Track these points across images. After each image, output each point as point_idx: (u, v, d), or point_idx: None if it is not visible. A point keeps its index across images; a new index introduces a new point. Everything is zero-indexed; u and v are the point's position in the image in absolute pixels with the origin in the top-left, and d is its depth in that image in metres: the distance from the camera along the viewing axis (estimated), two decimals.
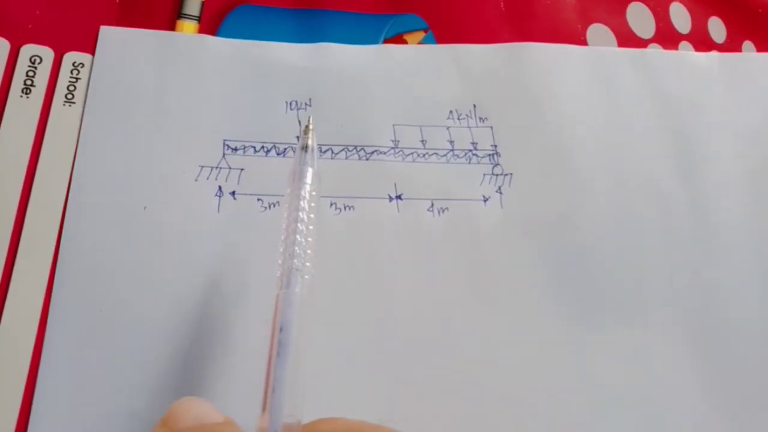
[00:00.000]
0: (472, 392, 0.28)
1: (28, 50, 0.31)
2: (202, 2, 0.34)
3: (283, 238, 0.24)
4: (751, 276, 0.31)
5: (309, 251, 0.24)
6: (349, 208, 0.30)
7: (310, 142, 0.26)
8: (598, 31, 0.36)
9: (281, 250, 0.24)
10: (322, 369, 0.27)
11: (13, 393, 0.26)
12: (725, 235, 0.32)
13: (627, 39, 0.36)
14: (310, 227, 0.24)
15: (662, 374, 0.29)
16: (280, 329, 0.22)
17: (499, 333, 0.29)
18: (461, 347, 0.28)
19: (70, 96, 0.31)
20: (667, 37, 0.36)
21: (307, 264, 0.24)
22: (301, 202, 0.25)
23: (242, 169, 0.31)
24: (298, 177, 0.25)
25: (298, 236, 0.24)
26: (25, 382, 0.26)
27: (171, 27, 0.33)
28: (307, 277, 0.23)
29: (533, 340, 0.29)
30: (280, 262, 0.24)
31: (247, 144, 0.31)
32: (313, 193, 0.25)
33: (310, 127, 0.27)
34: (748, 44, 0.37)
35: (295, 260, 0.23)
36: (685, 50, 0.36)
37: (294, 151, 0.31)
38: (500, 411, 0.28)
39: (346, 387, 0.27)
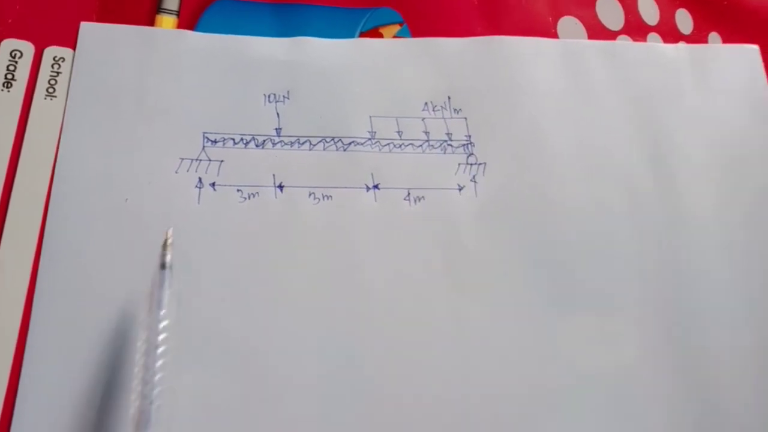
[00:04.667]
0: (448, 376, 0.29)
1: (8, 44, 0.32)
2: None
3: (135, 371, 0.23)
4: (719, 263, 0.32)
5: (158, 389, 0.23)
6: (328, 198, 0.31)
7: (168, 259, 0.25)
8: (568, 23, 0.37)
9: (133, 385, 0.23)
10: (300, 353, 0.28)
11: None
12: (694, 222, 0.33)
13: (597, 31, 0.37)
14: (161, 362, 0.23)
15: (631, 358, 0.30)
16: None
17: (474, 318, 0.30)
18: (437, 332, 0.29)
19: (51, 90, 0.31)
20: (636, 29, 0.37)
21: (156, 404, 0.23)
22: (154, 333, 0.24)
23: (222, 161, 0.31)
24: (156, 303, 0.24)
25: (148, 374, 0.23)
26: (9, 373, 0.27)
27: (151, 21, 0.34)
28: (156, 419, 0.22)
29: (507, 325, 0.30)
30: (132, 398, 0.23)
31: (226, 136, 0.32)
32: (165, 322, 0.24)
33: (170, 240, 0.25)
34: (714, 35, 0.38)
35: (145, 402, 0.23)
36: (654, 41, 0.37)
37: (273, 144, 0.32)
38: (476, 394, 0.29)
39: (324, 371, 0.28)
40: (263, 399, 0.27)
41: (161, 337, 0.23)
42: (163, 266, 0.25)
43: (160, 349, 0.23)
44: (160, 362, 0.23)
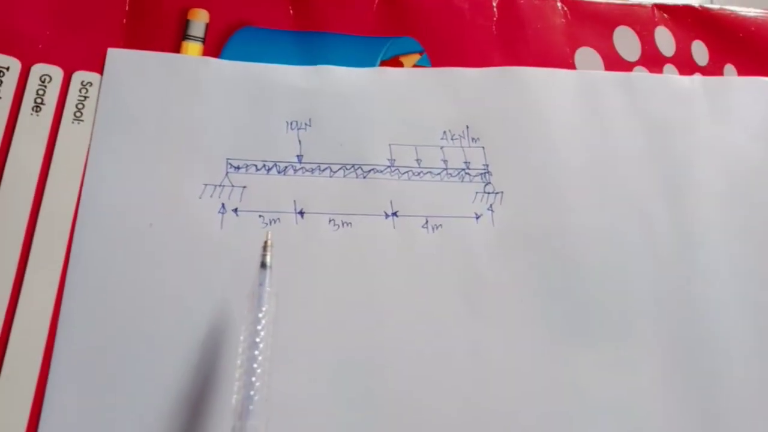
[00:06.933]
0: (463, 404, 0.29)
1: (38, 69, 0.33)
2: (207, 24, 0.35)
3: (238, 363, 0.25)
4: (732, 291, 0.33)
5: (261, 382, 0.24)
6: (347, 225, 0.32)
7: (269, 260, 0.27)
8: (585, 54, 0.37)
9: (236, 376, 0.25)
10: (317, 377, 0.29)
11: (22, 406, 0.27)
12: (707, 252, 0.33)
13: (613, 62, 0.37)
14: (261, 357, 0.25)
15: (646, 387, 0.30)
16: None
17: (491, 345, 0.30)
18: (454, 358, 0.30)
19: (78, 114, 0.32)
20: (652, 60, 0.38)
21: (257, 397, 0.24)
22: (257, 328, 0.25)
23: (245, 187, 0.32)
24: (257, 300, 0.26)
25: (251, 366, 0.25)
26: (34, 395, 0.27)
27: (177, 47, 0.34)
28: (251, 408, 0.24)
29: (523, 352, 0.30)
30: (235, 389, 0.24)
31: (249, 162, 0.32)
32: (266, 319, 0.25)
33: (270, 242, 0.27)
34: (729, 67, 0.38)
35: (247, 391, 0.24)
36: (670, 72, 0.38)
37: (294, 170, 0.32)
38: (490, 422, 0.29)
39: (340, 396, 0.28)
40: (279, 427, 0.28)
41: (262, 332, 0.25)
42: (263, 266, 0.26)
43: (261, 344, 0.25)
44: (260, 357, 0.25)
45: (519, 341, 0.30)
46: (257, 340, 0.25)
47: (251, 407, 0.24)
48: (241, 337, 0.25)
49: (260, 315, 0.25)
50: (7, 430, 0.26)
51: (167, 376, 0.28)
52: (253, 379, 0.24)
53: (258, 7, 0.36)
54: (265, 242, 0.27)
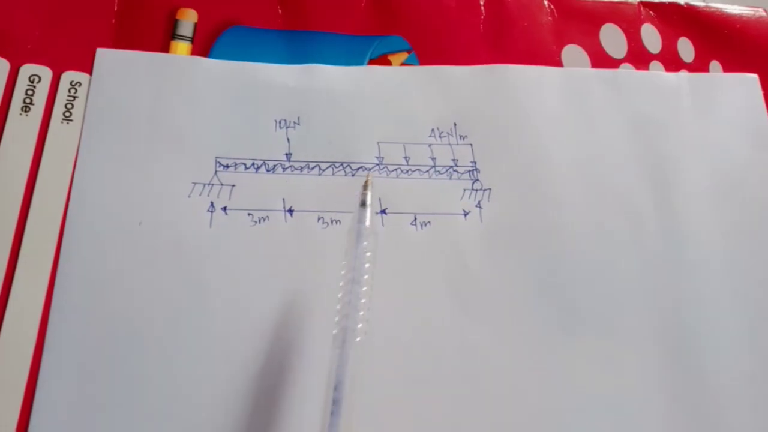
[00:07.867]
0: (452, 398, 0.29)
1: (27, 69, 0.33)
2: (195, 24, 0.35)
3: (340, 296, 0.26)
4: (719, 286, 0.33)
5: (363, 312, 0.25)
6: (336, 222, 0.32)
7: (369, 199, 0.28)
8: (572, 51, 0.38)
9: (338, 307, 0.25)
10: (308, 372, 0.29)
11: (12, 404, 0.27)
12: (694, 247, 0.34)
13: (600, 59, 0.38)
14: (365, 288, 0.26)
15: (633, 380, 0.31)
16: (335, 388, 0.24)
17: (479, 340, 0.30)
18: (443, 354, 0.30)
19: (68, 114, 0.32)
20: (639, 57, 0.38)
21: (361, 325, 0.25)
22: (358, 262, 0.26)
23: (233, 186, 0.32)
24: (356, 236, 0.26)
25: (354, 297, 0.25)
26: (24, 393, 0.27)
27: (165, 47, 0.34)
28: (359, 339, 0.25)
29: (511, 347, 0.30)
30: (336, 319, 0.25)
31: (238, 161, 0.32)
32: (368, 253, 0.26)
33: (370, 181, 0.28)
34: (715, 64, 0.39)
35: (350, 321, 0.25)
36: (656, 69, 0.38)
37: (283, 169, 0.33)
38: (479, 417, 0.29)
39: None
40: (271, 419, 0.28)
41: (365, 265, 0.26)
42: (363, 204, 0.27)
43: (365, 276, 0.26)
44: (364, 289, 0.25)
45: (508, 337, 0.31)
46: (358, 274, 0.26)
47: (355, 336, 0.25)
48: (342, 272, 0.26)
49: (360, 250, 0.26)
50: None
51: (156, 373, 0.28)
52: (356, 309, 0.25)
53: (246, 6, 0.36)
54: (366, 182, 0.28)
